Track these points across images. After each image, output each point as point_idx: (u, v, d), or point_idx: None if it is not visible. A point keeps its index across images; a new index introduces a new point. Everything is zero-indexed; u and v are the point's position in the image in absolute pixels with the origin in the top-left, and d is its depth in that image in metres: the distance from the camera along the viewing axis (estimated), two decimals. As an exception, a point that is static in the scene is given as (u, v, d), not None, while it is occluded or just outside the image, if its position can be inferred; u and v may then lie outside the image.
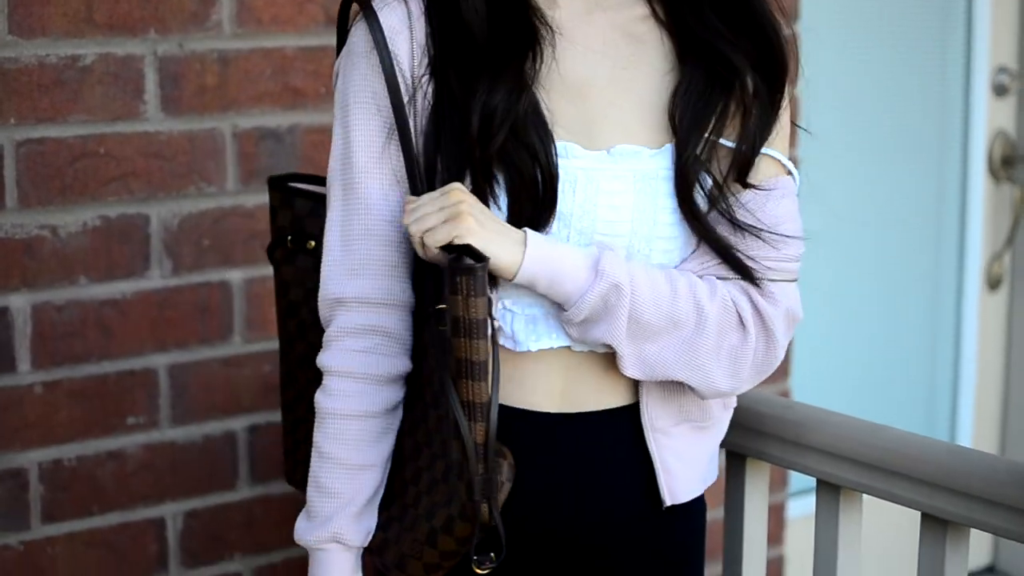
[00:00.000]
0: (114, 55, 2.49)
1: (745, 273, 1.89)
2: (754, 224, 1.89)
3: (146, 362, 2.57)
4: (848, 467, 2.10)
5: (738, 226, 1.89)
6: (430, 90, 1.88)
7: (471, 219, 1.79)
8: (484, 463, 1.83)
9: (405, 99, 1.87)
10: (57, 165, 2.46)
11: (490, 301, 1.79)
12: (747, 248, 1.89)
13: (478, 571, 1.88)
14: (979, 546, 4.34)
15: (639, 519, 2.00)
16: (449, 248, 1.79)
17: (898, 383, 4.22)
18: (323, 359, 1.92)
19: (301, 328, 2.14)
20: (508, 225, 1.83)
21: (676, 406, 1.96)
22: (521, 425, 1.94)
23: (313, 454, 1.94)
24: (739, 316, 1.88)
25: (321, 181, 2.06)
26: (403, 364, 1.93)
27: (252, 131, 2.64)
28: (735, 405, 2.08)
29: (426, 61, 1.88)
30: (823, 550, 2.19)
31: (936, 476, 1.98)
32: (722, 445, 2.29)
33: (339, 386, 1.91)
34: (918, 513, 2.06)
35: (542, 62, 1.88)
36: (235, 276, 2.62)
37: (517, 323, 1.91)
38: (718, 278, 1.90)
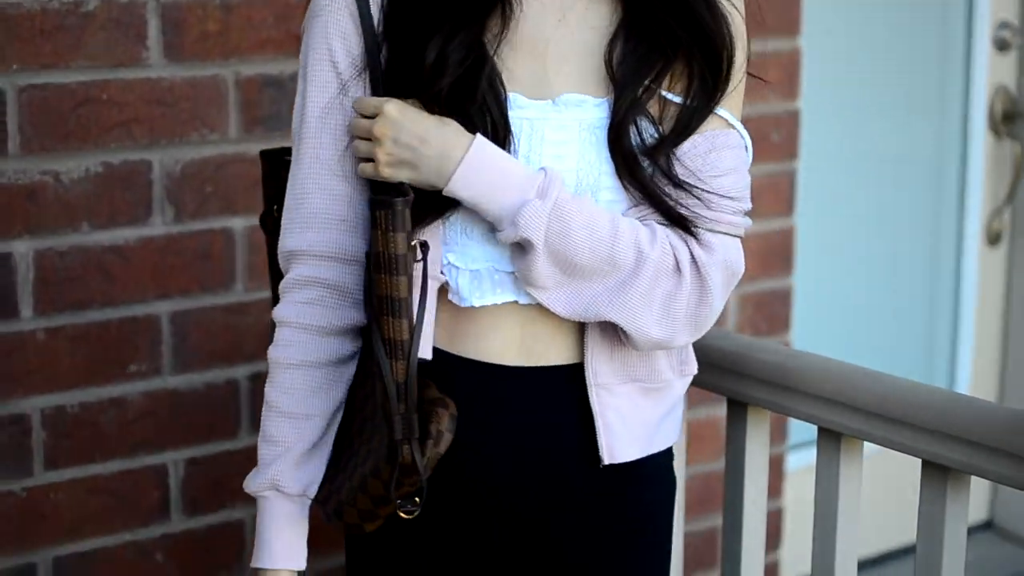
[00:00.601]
0: (116, 1, 2.49)
1: (680, 223, 1.88)
2: (691, 179, 1.89)
3: (148, 309, 2.57)
4: (849, 414, 2.11)
5: (675, 182, 1.88)
6: (386, 48, 1.91)
7: (386, 156, 1.85)
8: (404, 403, 1.84)
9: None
10: (60, 111, 2.46)
11: (412, 238, 1.83)
12: (684, 201, 1.88)
13: (401, 514, 1.89)
14: (977, 501, 4.35)
15: (581, 478, 1.98)
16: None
17: (897, 337, 4.23)
18: (275, 311, 1.96)
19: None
20: (442, 134, 1.84)
21: (620, 363, 1.95)
22: (468, 375, 1.95)
23: (264, 405, 1.97)
24: (676, 261, 1.87)
25: None
26: (351, 316, 1.94)
27: (254, 78, 2.63)
28: (693, 373, 2.05)
29: (385, 18, 1.91)
30: (823, 498, 2.19)
31: (937, 423, 1.99)
32: (723, 393, 2.30)
33: (285, 336, 1.94)
34: (918, 463, 2.07)
35: (508, 18, 1.89)
36: (237, 223, 2.62)
37: (461, 278, 1.92)
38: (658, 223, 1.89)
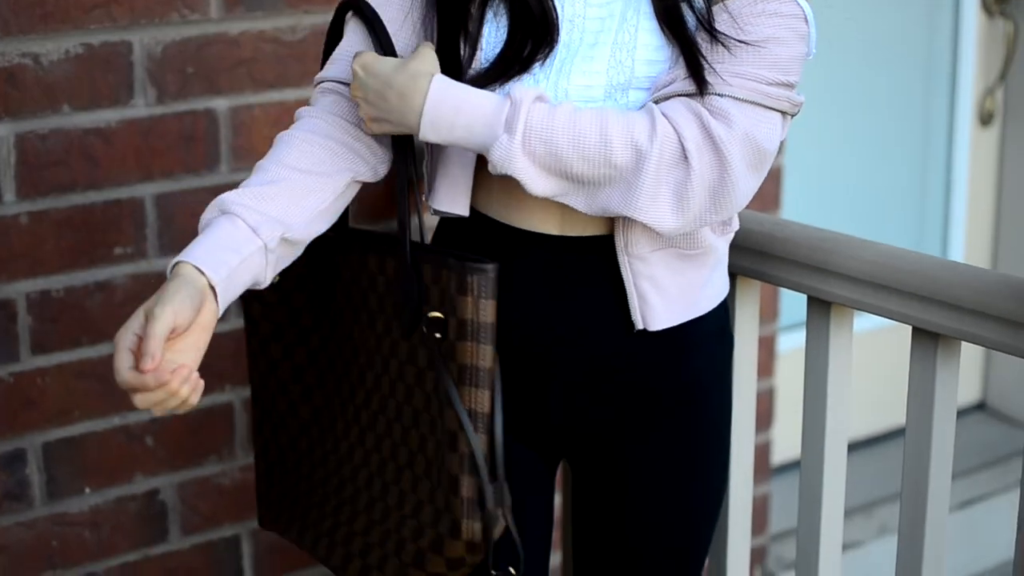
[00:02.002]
0: None
1: (701, 83, 1.84)
2: (727, 32, 1.85)
3: (132, 192, 2.55)
4: (838, 282, 2.10)
5: (711, 31, 1.85)
6: None
7: (364, 113, 1.89)
8: (492, 474, 1.85)
9: None
10: (37, -9, 2.43)
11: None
12: (713, 57, 1.85)
13: None
14: (969, 382, 4.36)
15: (623, 346, 1.99)
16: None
17: (888, 218, 4.21)
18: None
19: (272, 366, 2.16)
20: (401, 82, 1.85)
21: (655, 231, 1.90)
22: (508, 240, 1.95)
23: None
24: (682, 149, 1.82)
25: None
26: (356, 146, 1.97)
27: (235, -44, 2.60)
28: (735, 229, 2.04)
29: None
30: (814, 367, 2.19)
31: (927, 289, 1.98)
32: (711, 264, 2.29)
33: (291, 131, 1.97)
34: (908, 345, 2.06)
35: None
36: (220, 104, 2.59)
37: None
38: (681, 95, 1.85)
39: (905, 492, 2.10)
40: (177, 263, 1.79)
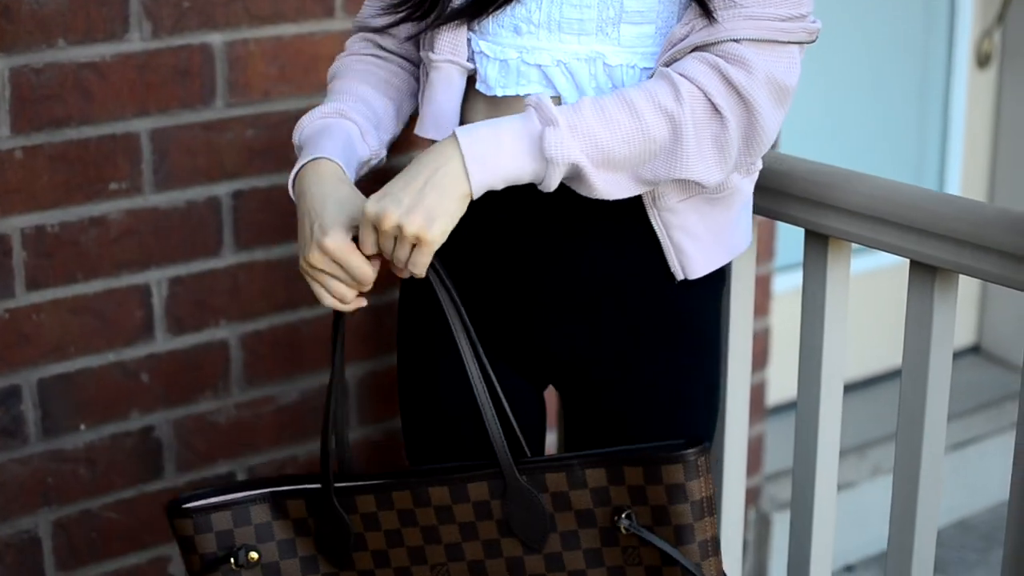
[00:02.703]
0: None
1: (715, 25, 1.82)
2: None
3: (127, 127, 2.53)
4: (836, 216, 2.09)
5: None
6: None
7: (417, 234, 1.77)
8: None
9: None
10: (30, -76, 2.41)
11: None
12: (722, 3, 1.82)
13: None
14: (965, 325, 4.36)
15: (653, 294, 1.99)
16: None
17: (886, 158, 4.20)
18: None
19: None
20: (425, 165, 1.80)
21: (683, 183, 1.88)
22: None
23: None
24: (711, 104, 1.81)
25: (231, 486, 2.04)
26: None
27: None
28: (759, 168, 2.04)
29: None
30: (811, 301, 2.19)
31: (925, 222, 1.97)
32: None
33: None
34: (904, 285, 2.06)
35: None
36: (216, 39, 2.58)
37: (490, 68, 1.92)
38: (698, 48, 1.84)
39: (901, 427, 2.10)
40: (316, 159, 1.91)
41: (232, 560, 2.00)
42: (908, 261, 2.04)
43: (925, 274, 2.01)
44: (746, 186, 2.01)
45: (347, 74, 2.07)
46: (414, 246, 1.78)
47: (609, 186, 1.82)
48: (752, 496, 3.57)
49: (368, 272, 1.83)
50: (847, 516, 3.57)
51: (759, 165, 2.03)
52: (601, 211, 1.91)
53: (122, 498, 2.67)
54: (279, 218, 2.70)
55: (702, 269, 1.97)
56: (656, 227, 1.93)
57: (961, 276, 2.01)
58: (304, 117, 2.00)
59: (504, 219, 1.97)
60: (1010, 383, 4.26)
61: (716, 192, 1.94)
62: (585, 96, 1.84)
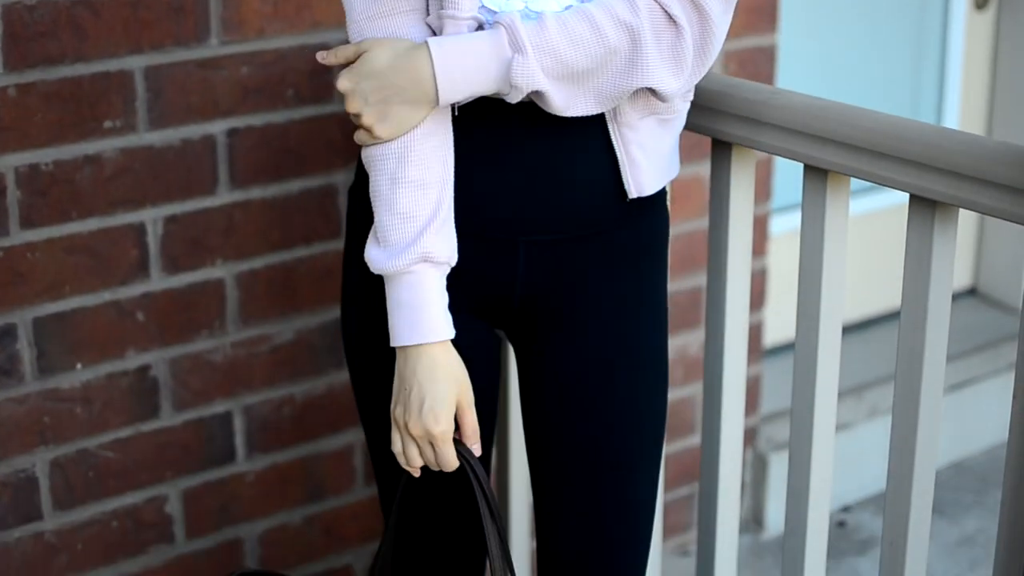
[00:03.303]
0: None
1: None
2: None
3: (121, 64, 2.51)
4: (834, 150, 2.08)
5: None
6: None
7: (372, 121, 1.91)
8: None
9: None
10: None
11: None
12: None
13: None
14: (961, 267, 4.35)
15: (604, 211, 2.03)
16: None
17: (882, 98, 4.19)
18: None
19: None
20: (398, 65, 1.89)
21: (643, 100, 1.97)
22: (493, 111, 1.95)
23: (379, 185, 1.95)
24: (666, 14, 1.88)
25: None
26: None
27: None
28: (692, 98, 2.10)
29: None
30: (809, 236, 2.17)
31: (924, 156, 1.96)
32: (707, 133, 2.27)
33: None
34: (903, 225, 2.05)
35: None
36: (209, -25, 2.56)
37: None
38: None
39: (900, 366, 2.09)
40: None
41: None
42: (907, 198, 2.03)
43: (925, 208, 2.00)
44: (684, 111, 2.08)
45: (425, 159, 1.97)
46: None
47: (570, 102, 1.89)
48: (749, 437, 3.57)
49: (454, 465, 1.98)
50: (844, 458, 3.57)
51: (692, 94, 2.10)
52: (562, 124, 1.96)
53: (119, 437, 2.67)
54: (274, 156, 2.69)
55: (652, 187, 2.03)
56: (615, 142, 1.98)
57: (960, 215, 2.00)
58: (401, 256, 1.95)
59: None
60: (1007, 325, 4.26)
61: (667, 112, 2.01)
62: (546, 15, 1.87)
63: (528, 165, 1.97)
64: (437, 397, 1.94)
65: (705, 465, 2.45)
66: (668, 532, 3.47)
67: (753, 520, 3.67)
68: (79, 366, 2.59)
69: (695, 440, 3.41)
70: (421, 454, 1.98)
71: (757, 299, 3.45)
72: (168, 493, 2.75)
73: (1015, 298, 4.36)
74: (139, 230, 2.59)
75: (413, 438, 1.96)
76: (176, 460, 2.74)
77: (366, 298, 2.08)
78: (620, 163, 1.99)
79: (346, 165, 2.77)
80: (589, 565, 2.16)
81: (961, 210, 2.02)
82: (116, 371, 2.63)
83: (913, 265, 2.03)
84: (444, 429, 1.95)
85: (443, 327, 1.95)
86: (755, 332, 3.48)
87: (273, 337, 2.78)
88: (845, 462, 3.63)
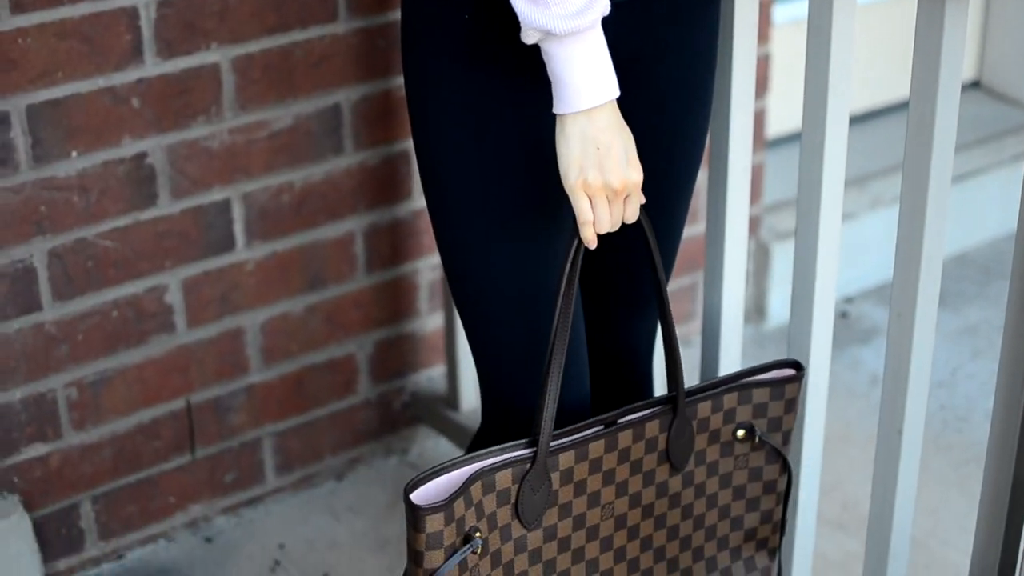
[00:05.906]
0: None
1: None
2: None
3: None
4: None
5: None
6: None
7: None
8: None
9: None
10: None
11: None
12: None
13: None
14: (965, 61, 4.30)
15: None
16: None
17: None
18: None
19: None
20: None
21: None
22: None
23: None
24: None
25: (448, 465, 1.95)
26: None
27: None
28: None
29: None
30: (817, 23, 2.13)
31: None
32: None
33: None
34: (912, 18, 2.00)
35: None
36: None
37: None
38: None
39: (908, 153, 2.06)
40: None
41: (469, 546, 1.92)
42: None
43: (938, -12, 1.95)
44: None
45: None
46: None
47: None
48: (752, 226, 3.55)
49: (634, 218, 1.93)
50: (846, 248, 3.56)
51: None
52: None
53: (116, 226, 2.65)
54: (269, -63, 2.63)
55: None
56: None
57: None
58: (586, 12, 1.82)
59: None
60: (1011, 117, 4.22)
61: None
62: None
63: None
64: (630, 146, 1.87)
65: (710, 252, 2.42)
66: (670, 322, 3.46)
67: (755, 310, 3.67)
68: (74, 154, 2.56)
69: (699, 228, 3.39)
70: (607, 210, 1.89)
71: (760, 86, 3.40)
72: (168, 282, 2.73)
73: (1019, 90, 4.32)
74: (132, 14, 2.53)
75: (610, 197, 1.88)
76: (175, 249, 2.72)
77: (487, 94, 1.97)
78: None
79: (343, -53, 2.71)
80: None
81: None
82: (112, 159, 2.60)
83: (923, 52, 1.99)
84: (642, 174, 1.90)
85: (615, 78, 1.86)
86: (758, 120, 3.43)
87: (271, 123, 2.74)
88: (847, 253, 3.61)
